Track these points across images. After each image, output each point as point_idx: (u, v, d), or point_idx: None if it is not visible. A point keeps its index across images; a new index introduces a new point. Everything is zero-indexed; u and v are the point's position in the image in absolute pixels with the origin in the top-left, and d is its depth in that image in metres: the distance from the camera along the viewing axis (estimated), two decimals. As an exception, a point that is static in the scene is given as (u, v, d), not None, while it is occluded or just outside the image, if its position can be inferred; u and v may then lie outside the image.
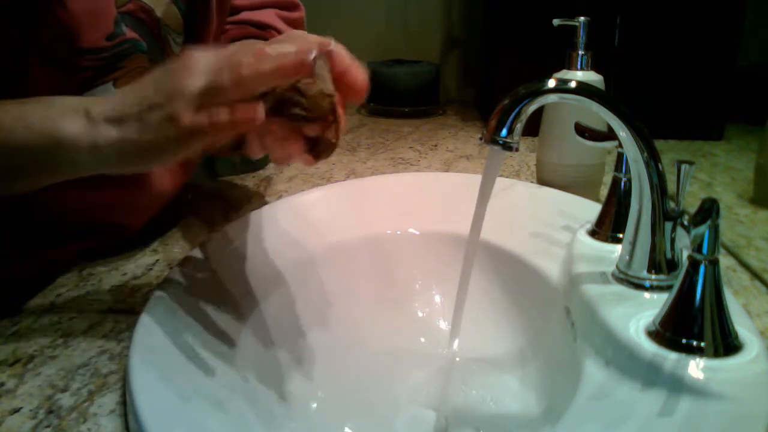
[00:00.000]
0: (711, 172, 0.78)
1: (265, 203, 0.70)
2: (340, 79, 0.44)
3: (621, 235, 0.48)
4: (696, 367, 0.35)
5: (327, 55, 0.43)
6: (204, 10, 0.63)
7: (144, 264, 0.57)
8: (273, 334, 0.50)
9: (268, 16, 0.73)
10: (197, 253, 0.54)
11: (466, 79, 1.48)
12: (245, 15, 0.72)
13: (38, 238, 0.54)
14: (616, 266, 0.45)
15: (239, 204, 0.73)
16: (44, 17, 0.48)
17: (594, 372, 0.38)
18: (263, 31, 0.71)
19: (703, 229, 0.36)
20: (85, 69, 0.51)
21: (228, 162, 0.85)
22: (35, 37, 0.48)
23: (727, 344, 0.36)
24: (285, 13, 0.75)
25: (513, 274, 0.57)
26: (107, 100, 0.41)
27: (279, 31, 0.71)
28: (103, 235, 0.59)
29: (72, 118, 0.40)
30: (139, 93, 0.40)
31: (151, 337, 0.41)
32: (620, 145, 0.44)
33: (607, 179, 0.66)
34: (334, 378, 0.52)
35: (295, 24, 0.76)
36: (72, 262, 0.57)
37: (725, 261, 0.55)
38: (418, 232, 0.62)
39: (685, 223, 0.40)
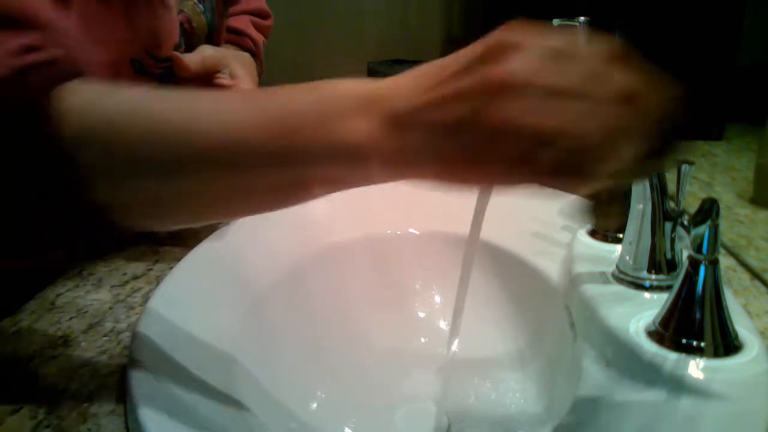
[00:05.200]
0: (711, 172, 0.78)
1: (265, 203, 0.70)
2: None
3: (621, 235, 0.48)
4: (696, 367, 0.35)
5: None
6: (220, 19, 0.68)
7: (144, 264, 0.57)
8: (273, 333, 0.50)
9: (243, 22, 0.79)
10: (197, 254, 0.54)
11: (466, 79, 1.48)
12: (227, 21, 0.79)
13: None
14: (616, 266, 0.45)
15: (239, 204, 0.73)
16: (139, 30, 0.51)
17: (594, 372, 0.38)
18: (239, 38, 0.77)
19: (703, 229, 0.36)
20: (155, 75, 0.56)
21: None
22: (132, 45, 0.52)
23: (727, 344, 0.36)
24: (258, 20, 0.83)
25: (513, 274, 0.56)
26: (397, 88, 0.29)
27: (251, 38, 0.78)
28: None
29: (357, 117, 0.29)
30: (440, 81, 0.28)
31: (151, 338, 0.41)
32: (620, 145, 0.44)
33: (607, 179, 0.66)
34: (334, 378, 0.52)
35: (264, 31, 0.83)
36: (72, 262, 0.57)
37: (725, 261, 0.55)
38: (418, 232, 0.62)
39: (685, 223, 0.40)
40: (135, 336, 0.41)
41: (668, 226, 0.42)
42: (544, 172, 0.27)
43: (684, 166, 0.40)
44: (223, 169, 0.31)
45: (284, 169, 0.30)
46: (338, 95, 0.30)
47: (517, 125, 0.26)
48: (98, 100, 0.32)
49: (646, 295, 0.43)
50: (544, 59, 0.27)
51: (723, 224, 0.38)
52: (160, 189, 0.32)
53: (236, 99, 0.33)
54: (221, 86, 0.58)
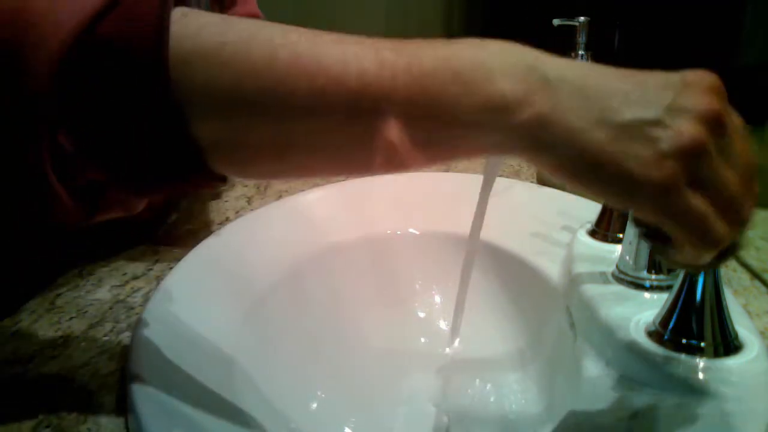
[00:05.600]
0: (711, 172, 0.77)
1: (265, 203, 0.70)
2: None
3: (621, 235, 0.48)
4: (696, 367, 0.35)
5: None
6: None
7: (144, 264, 0.57)
8: (273, 334, 0.50)
9: None
10: (197, 254, 0.54)
11: (465, 79, 1.49)
12: None
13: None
14: (616, 266, 0.45)
15: (239, 204, 0.73)
16: None
17: (594, 372, 0.38)
18: None
19: (703, 229, 0.36)
20: None
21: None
22: None
23: (727, 344, 0.36)
24: None
25: (513, 274, 0.56)
26: (560, 61, 0.29)
27: None
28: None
29: (507, 72, 0.28)
30: (624, 84, 0.29)
31: (151, 337, 0.41)
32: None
33: (607, 179, 0.66)
34: (334, 378, 0.52)
35: None
36: (72, 262, 0.57)
37: (725, 261, 0.55)
38: (418, 232, 0.62)
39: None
40: (135, 336, 0.41)
41: (668, 226, 0.42)
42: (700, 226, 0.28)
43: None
44: (339, 115, 0.29)
45: (406, 124, 0.28)
46: (487, 49, 0.29)
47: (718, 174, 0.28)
48: (206, 27, 0.29)
49: (646, 295, 0.43)
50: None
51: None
52: (262, 129, 0.29)
53: (363, 41, 0.30)
54: None
